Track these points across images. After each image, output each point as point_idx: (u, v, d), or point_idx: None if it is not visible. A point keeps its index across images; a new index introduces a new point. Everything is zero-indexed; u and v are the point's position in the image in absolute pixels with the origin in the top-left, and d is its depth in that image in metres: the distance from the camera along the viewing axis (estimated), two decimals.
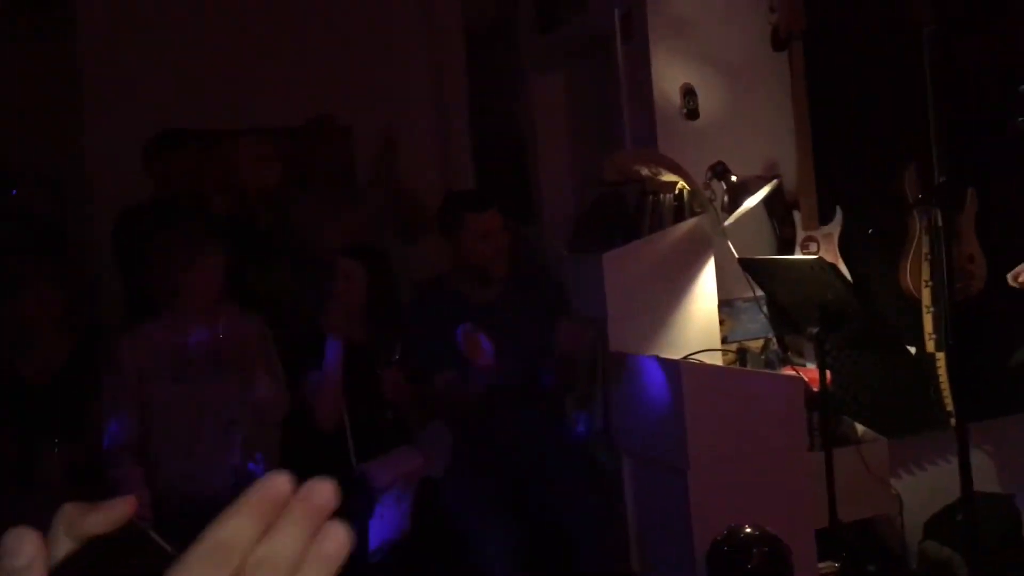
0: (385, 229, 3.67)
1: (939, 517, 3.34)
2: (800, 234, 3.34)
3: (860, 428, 3.18)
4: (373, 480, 2.53)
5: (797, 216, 3.35)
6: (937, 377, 3.30)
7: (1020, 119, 2.85)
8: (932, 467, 3.53)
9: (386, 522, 2.58)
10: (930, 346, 3.29)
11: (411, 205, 3.67)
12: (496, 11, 4.48)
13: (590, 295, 3.09)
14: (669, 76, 3.38)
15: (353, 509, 2.63)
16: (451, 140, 4.26)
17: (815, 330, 2.72)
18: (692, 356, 2.96)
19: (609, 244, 3.13)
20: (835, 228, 3.33)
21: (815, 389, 2.90)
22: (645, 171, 3.21)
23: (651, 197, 3.18)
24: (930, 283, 3.25)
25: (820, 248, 3.30)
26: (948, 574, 3.18)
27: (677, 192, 3.17)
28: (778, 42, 3.40)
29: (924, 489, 3.45)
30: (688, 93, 3.36)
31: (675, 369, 2.71)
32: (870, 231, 3.33)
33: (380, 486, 2.54)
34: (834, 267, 2.78)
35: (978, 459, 3.55)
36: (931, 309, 3.27)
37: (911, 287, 3.36)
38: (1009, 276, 2.98)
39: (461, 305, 3.03)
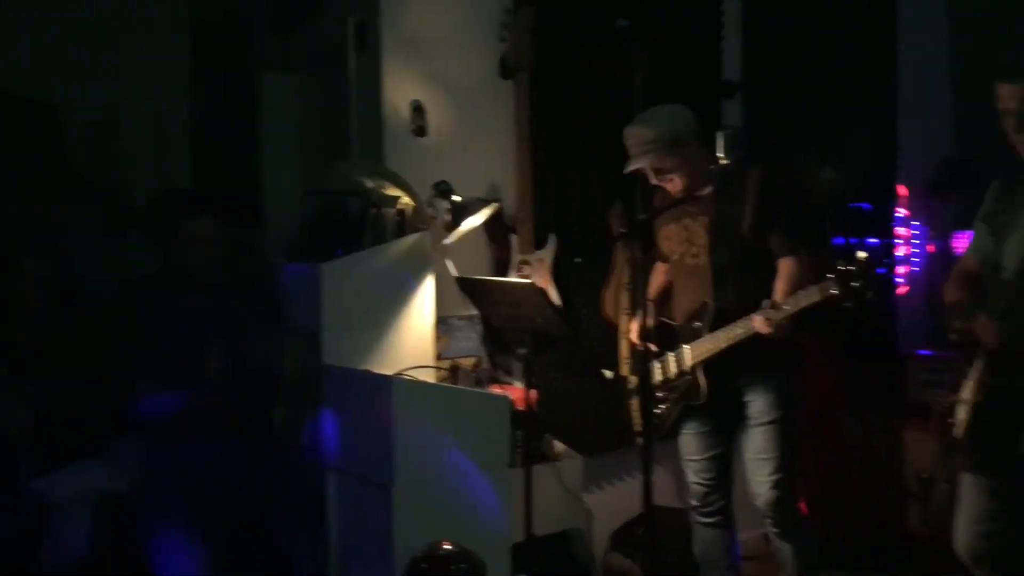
0: (89, 224, 3.38)
1: (624, 530, 3.58)
2: (516, 257, 3.47)
3: (559, 446, 3.34)
4: (45, 496, 2.31)
5: (514, 239, 3.48)
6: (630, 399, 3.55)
7: (712, 168, 3.13)
8: (621, 483, 3.78)
9: (61, 542, 2.36)
10: (625, 369, 3.53)
11: (120, 200, 3.42)
12: (230, 4, 4.29)
13: (306, 306, 3.02)
14: (400, 91, 3.40)
15: (22, 528, 2.39)
16: (169, 135, 4.01)
17: (524, 351, 2.84)
18: (405, 372, 2.97)
19: (329, 255, 3.08)
20: (548, 254, 3.49)
21: (520, 408, 3.02)
22: (370, 183, 3.20)
23: (374, 210, 3.17)
24: (628, 311, 3.49)
25: (534, 272, 3.45)
26: None
27: (400, 207, 3.18)
28: (506, 71, 3.53)
29: (612, 503, 3.69)
30: (417, 110, 3.40)
31: (385, 385, 2.71)
32: (576, 260, 3.52)
33: (53, 503, 2.32)
34: (544, 292, 2.91)
35: (661, 476, 3.86)
36: (628, 335, 3.51)
37: (612, 314, 3.59)
38: (632, 337, 3.20)
39: (170, 309, 2.86)
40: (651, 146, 2.93)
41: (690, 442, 3.13)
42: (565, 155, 3.64)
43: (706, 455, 3.10)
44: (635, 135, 2.97)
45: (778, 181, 2.98)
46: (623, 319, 3.55)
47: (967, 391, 2.37)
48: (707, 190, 3.02)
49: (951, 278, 2.60)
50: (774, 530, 3.03)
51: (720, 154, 3.10)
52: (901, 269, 4.53)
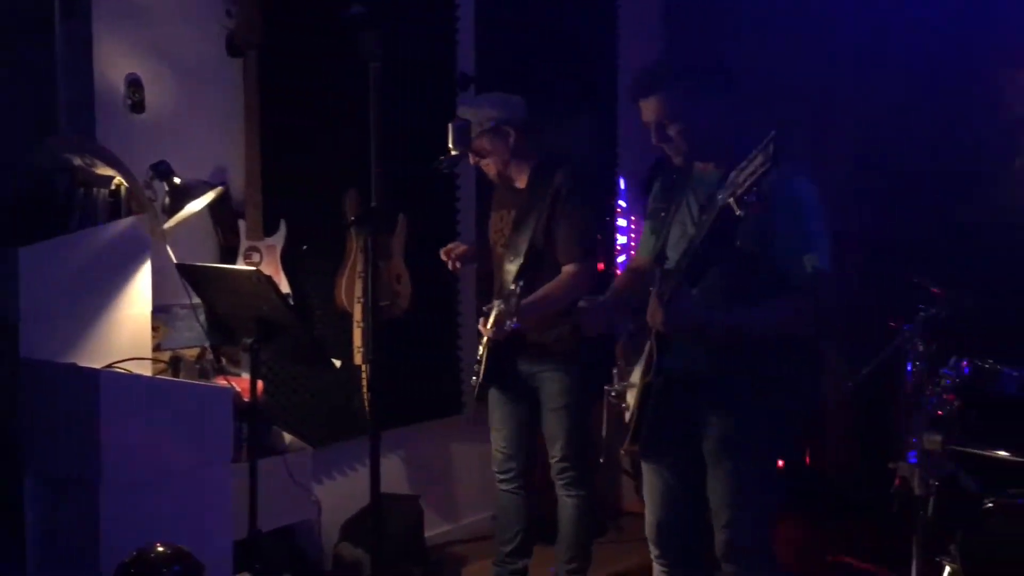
0: None
1: (354, 520, 3.57)
2: (244, 244, 3.34)
3: (288, 437, 3.26)
4: None
5: (242, 225, 3.35)
6: (362, 388, 3.54)
7: (441, 159, 3.18)
8: (352, 472, 3.77)
9: None
10: (358, 358, 3.51)
11: None
12: None
13: (1, 294, 2.74)
14: (114, 63, 3.16)
15: None
16: None
17: (250, 341, 2.74)
18: (118, 364, 2.77)
19: (30, 238, 2.81)
20: (279, 241, 3.39)
21: (246, 399, 2.91)
22: (78, 161, 2.95)
23: (83, 190, 2.92)
24: (361, 299, 3.47)
25: (263, 259, 3.34)
26: (357, 574, 3.40)
27: (114, 188, 2.95)
28: (234, 49, 3.38)
29: (343, 494, 3.66)
30: (134, 84, 3.18)
31: (93, 378, 2.51)
32: (304, 247, 3.45)
33: None
34: (270, 279, 2.81)
35: (392, 463, 3.89)
36: (361, 324, 3.49)
37: (345, 302, 3.55)
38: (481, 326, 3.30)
39: None
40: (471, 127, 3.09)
41: (492, 411, 3.36)
42: (297, 139, 3.54)
43: (504, 426, 3.33)
44: (459, 115, 3.16)
45: (574, 189, 3.12)
46: (356, 307, 3.53)
47: (636, 376, 2.49)
48: (522, 183, 3.18)
49: (621, 272, 2.81)
50: (562, 492, 3.30)
51: (450, 145, 3.15)
52: (620, 259, 4.83)
